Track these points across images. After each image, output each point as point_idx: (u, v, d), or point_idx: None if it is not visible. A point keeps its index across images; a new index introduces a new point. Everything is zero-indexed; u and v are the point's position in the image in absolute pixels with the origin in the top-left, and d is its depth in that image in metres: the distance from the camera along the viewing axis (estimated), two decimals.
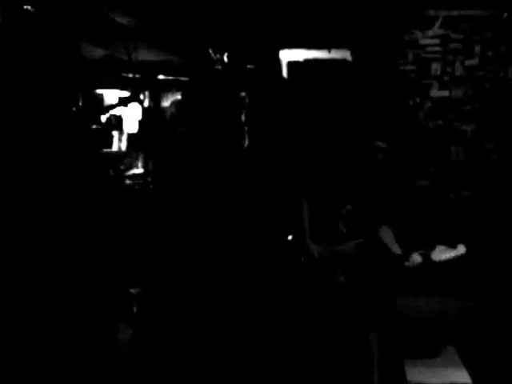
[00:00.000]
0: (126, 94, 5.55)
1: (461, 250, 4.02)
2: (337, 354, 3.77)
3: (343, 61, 5.73)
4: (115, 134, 5.66)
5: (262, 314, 4.40)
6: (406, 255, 4.02)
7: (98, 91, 5.69)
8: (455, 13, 5.42)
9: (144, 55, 5.11)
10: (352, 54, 5.55)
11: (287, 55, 5.91)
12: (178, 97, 5.51)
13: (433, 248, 4.03)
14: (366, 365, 3.62)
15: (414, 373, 3.83)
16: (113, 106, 5.30)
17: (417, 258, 3.98)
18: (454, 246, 4.03)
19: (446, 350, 4.12)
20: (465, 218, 5.24)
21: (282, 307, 4.44)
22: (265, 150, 5.52)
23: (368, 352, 3.62)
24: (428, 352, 4.05)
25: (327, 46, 5.68)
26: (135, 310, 4.47)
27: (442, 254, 3.99)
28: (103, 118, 5.57)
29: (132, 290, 4.55)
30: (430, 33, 5.50)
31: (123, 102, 5.23)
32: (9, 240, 3.67)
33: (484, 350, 4.07)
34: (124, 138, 5.68)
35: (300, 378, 3.84)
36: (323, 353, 3.88)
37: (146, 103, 5.59)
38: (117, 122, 5.69)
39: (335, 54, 5.77)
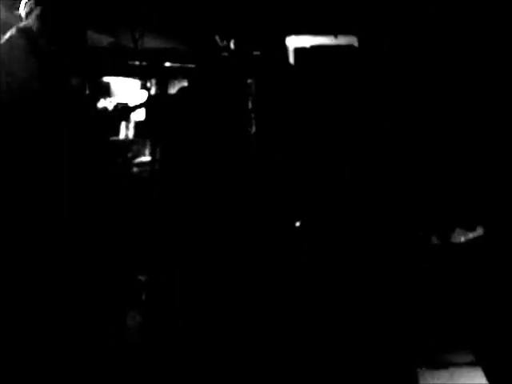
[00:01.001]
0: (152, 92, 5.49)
1: (479, 231, 4.02)
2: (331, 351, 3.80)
3: (350, 47, 5.70)
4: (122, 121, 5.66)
5: (265, 308, 4.42)
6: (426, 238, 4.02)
7: (105, 79, 5.70)
8: None
9: (150, 42, 5.11)
10: (359, 40, 5.53)
11: (294, 41, 5.88)
12: (185, 84, 5.50)
13: (453, 231, 4.02)
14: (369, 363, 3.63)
15: (426, 375, 3.82)
16: (138, 107, 5.27)
17: (434, 239, 3.99)
18: (473, 229, 4.02)
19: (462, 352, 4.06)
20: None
21: (284, 303, 4.45)
22: (272, 137, 5.51)
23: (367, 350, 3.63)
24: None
25: (334, 32, 5.66)
26: (143, 297, 4.50)
27: (460, 236, 4.00)
28: (110, 106, 5.58)
29: (140, 277, 4.58)
30: None
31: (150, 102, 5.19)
32: (15, 228, 3.69)
33: (502, 354, 4.01)
34: (131, 125, 5.67)
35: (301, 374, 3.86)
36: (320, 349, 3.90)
37: (153, 91, 5.58)
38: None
39: (342, 40, 5.74)
